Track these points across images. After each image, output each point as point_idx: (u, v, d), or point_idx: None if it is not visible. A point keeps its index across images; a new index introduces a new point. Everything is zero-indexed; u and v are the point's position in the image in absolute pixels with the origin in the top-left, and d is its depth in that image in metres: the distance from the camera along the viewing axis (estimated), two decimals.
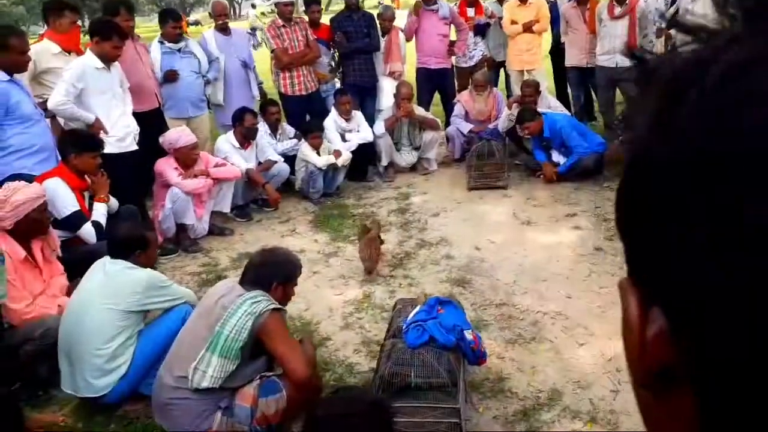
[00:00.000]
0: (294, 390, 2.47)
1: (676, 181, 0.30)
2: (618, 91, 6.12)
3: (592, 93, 6.59)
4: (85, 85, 4.31)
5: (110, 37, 4.37)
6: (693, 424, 0.32)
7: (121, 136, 4.49)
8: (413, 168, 6.14)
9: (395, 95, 5.92)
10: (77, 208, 3.77)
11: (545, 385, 2.85)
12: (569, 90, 6.72)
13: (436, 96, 6.83)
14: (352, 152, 5.64)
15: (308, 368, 2.46)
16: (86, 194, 3.98)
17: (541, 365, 3.00)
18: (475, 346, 2.73)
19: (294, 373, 2.42)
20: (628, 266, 0.34)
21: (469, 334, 2.73)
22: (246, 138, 5.25)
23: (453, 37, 6.74)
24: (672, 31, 5.56)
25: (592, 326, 3.29)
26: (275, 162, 5.40)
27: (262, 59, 7.68)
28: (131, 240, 2.96)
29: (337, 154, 5.47)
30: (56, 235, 3.48)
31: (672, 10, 5.65)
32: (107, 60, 4.40)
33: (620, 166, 0.35)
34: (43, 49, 4.62)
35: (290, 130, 5.87)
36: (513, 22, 6.37)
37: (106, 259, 2.94)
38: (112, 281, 2.84)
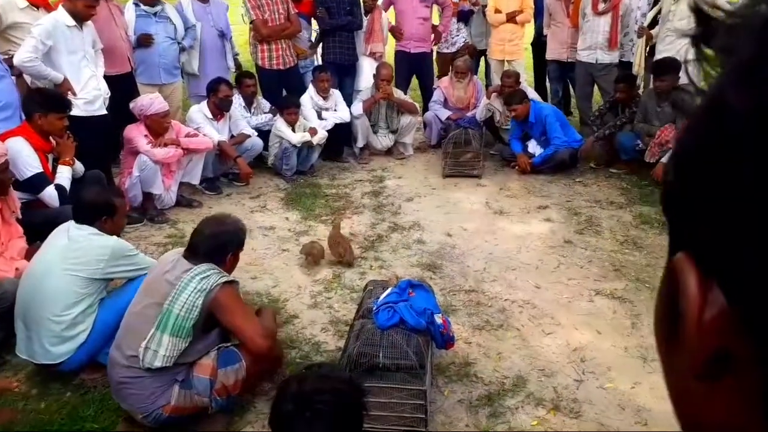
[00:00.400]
0: (253, 360, 2.43)
1: None
2: (596, 87, 6.17)
3: (571, 88, 6.62)
4: (55, 42, 4.13)
5: None
6: (757, 406, 0.30)
7: (90, 98, 4.33)
8: (389, 152, 6.10)
9: (375, 76, 5.84)
10: (40, 169, 3.62)
11: (510, 371, 2.88)
12: (548, 83, 6.75)
13: (415, 81, 6.78)
14: (328, 131, 5.56)
15: (266, 338, 2.42)
16: (50, 156, 3.83)
17: (507, 352, 3.02)
18: (445, 330, 2.73)
19: (251, 343, 2.39)
20: (681, 242, 0.32)
21: (438, 318, 2.73)
22: (219, 109, 5.12)
23: (436, 21, 6.69)
24: (653, 31, 5.63)
25: (558, 316, 3.32)
26: (248, 136, 5.29)
27: (240, 31, 7.51)
28: (98, 205, 2.85)
29: (313, 131, 5.38)
30: (16, 197, 3.35)
31: (654, 10, 5.70)
32: (80, 18, 4.23)
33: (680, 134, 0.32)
34: (8, 3, 4.41)
35: (265, 104, 5.76)
36: (497, 11, 6.34)
37: (71, 223, 2.83)
38: (76, 247, 2.75)
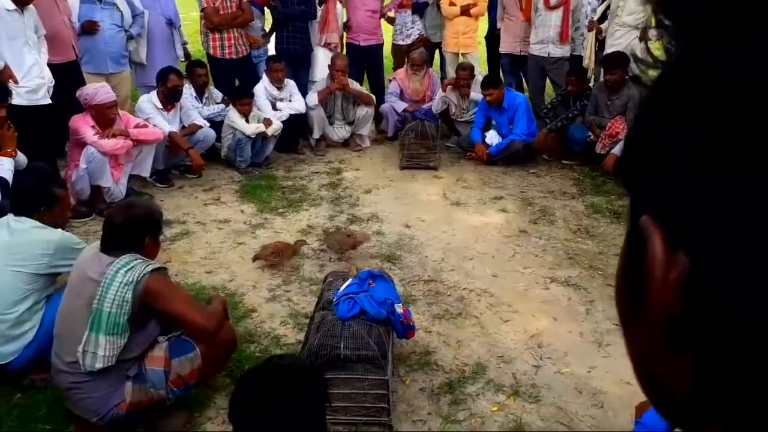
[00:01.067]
0: (206, 346, 2.37)
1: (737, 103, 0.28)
2: (548, 81, 6.29)
3: (524, 81, 6.73)
4: None
5: None
6: (689, 379, 0.32)
7: (32, 87, 4.14)
8: (345, 143, 6.07)
9: (330, 67, 5.79)
10: None
11: (470, 359, 2.91)
12: (501, 76, 6.83)
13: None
14: (283, 122, 5.48)
15: (208, 319, 2.32)
16: None
17: (466, 340, 3.06)
18: (405, 319, 2.74)
19: (194, 326, 2.29)
20: (643, 207, 0.33)
21: (399, 308, 2.74)
22: (169, 99, 4.98)
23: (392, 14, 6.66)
24: (602, 26, 5.77)
25: (515, 304, 3.38)
26: (200, 126, 5.16)
27: (191, 20, 7.31)
28: (35, 195, 2.72)
29: (267, 122, 5.30)
30: None
31: (603, 5, 5.84)
32: (20, 2, 4.01)
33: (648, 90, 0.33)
34: None
35: (218, 95, 5.63)
36: (451, 4, 6.38)
37: (10, 216, 2.70)
38: (18, 241, 2.62)
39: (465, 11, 6.34)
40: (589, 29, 5.87)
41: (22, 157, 3.77)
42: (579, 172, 5.40)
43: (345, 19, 6.42)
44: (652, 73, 0.33)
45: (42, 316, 2.63)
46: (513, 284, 3.59)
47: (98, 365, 2.17)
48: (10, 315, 2.55)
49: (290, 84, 5.77)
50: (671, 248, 0.31)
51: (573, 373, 2.82)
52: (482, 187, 5.12)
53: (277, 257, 3.61)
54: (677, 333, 0.31)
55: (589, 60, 5.91)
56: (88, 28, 4.97)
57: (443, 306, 3.35)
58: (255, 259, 3.67)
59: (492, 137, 5.61)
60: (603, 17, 5.81)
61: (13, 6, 3.99)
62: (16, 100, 3.77)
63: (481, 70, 6.75)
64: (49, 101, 4.28)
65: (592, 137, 5.29)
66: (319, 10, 6.10)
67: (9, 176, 3.54)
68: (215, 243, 4.04)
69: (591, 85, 5.85)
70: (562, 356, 2.94)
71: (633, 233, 0.34)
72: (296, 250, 3.72)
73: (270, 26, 6.29)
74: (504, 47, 6.47)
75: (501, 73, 6.74)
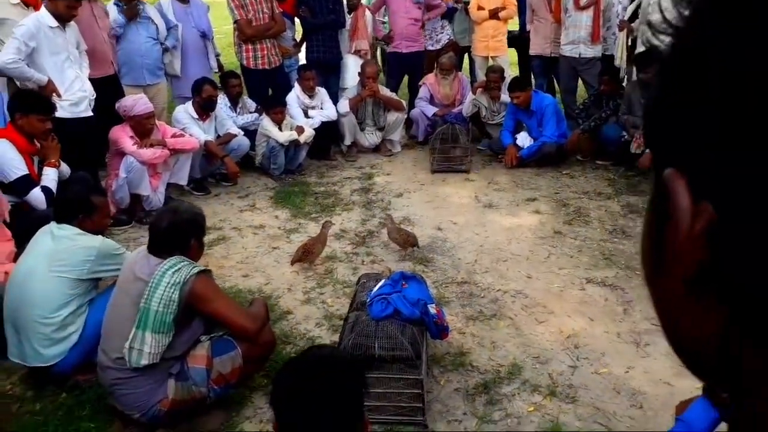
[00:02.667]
0: (246, 346, 2.42)
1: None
2: (580, 81, 6.22)
3: (555, 82, 6.67)
4: (38, 44, 4.09)
5: None
6: (720, 332, 0.32)
7: (75, 100, 4.29)
8: (376, 149, 6.10)
9: (360, 74, 5.85)
10: (26, 172, 3.58)
11: (505, 360, 2.89)
12: (533, 78, 6.79)
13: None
14: (315, 130, 5.56)
15: (251, 321, 2.42)
16: (35, 159, 3.79)
17: (501, 341, 3.04)
18: (439, 320, 2.74)
19: (236, 327, 2.39)
20: (673, 158, 0.33)
21: (432, 309, 2.74)
22: (204, 109, 5.10)
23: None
24: (633, 25, 5.69)
25: (551, 305, 3.34)
26: (235, 135, 5.27)
27: (223, 33, 7.48)
28: (76, 203, 2.81)
29: (300, 130, 5.37)
30: (4, 200, 3.30)
31: (634, 4, 5.76)
32: (62, 19, 4.18)
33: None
34: None
35: (251, 104, 5.74)
36: (479, 8, 6.37)
37: (53, 224, 2.79)
38: (61, 248, 2.70)
39: (494, 14, 6.33)
40: (620, 29, 5.79)
41: (65, 168, 3.91)
42: (613, 172, 5.32)
43: (372, 28, 6.47)
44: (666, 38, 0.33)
45: (85, 320, 2.71)
46: (548, 285, 3.56)
47: (143, 362, 2.24)
48: (55, 318, 2.63)
49: (321, 92, 5.84)
50: (696, 198, 0.31)
51: (611, 374, 2.77)
52: (515, 189, 5.09)
53: (309, 254, 3.66)
54: (704, 282, 0.31)
55: (621, 59, 5.83)
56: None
57: (477, 307, 3.33)
58: (293, 263, 3.72)
59: (523, 139, 5.57)
60: (634, 16, 5.73)
61: (56, 23, 4.15)
62: (59, 113, 3.92)
63: (511, 72, 6.72)
64: (91, 113, 4.43)
65: (626, 137, 5.21)
66: (349, 19, 6.17)
67: (53, 186, 3.68)
68: (251, 248, 4.11)
69: (624, 84, 5.77)
70: (599, 356, 2.90)
71: (657, 188, 0.34)
72: (324, 236, 3.73)
73: (300, 36, 6.39)
74: (534, 49, 6.43)
75: (531, 76, 6.70)
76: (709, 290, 0.31)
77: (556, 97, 6.47)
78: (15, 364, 2.70)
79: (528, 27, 6.55)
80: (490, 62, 6.43)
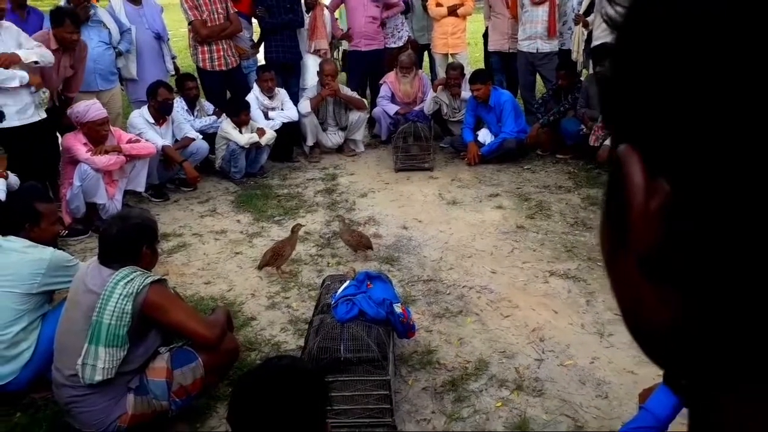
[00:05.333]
0: (208, 356, 2.37)
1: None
2: (538, 76, 6.29)
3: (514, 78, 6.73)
4: None
5: None
6: (676, 317, 0.30)
7: (21, 106, 4.12)
8: (339, 149, 6.06)
9: (319, 73, 5.79)
10: None
11: (472, 355, 2.90)
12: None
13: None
14: (276, 131, 5.49)
15: (211, 328, 2.36)
16: None
17: (467, 337, 3.04)
18: (405, 319, 2.73)
19: (196, 336, 2.33)
20: (629, 132, 0.32)
21: (398, 308, 2.72)
22: (161, 113, 4.98)
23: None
24: (589, 18, 5.78)
25: (515, 299, 3.37)
26: (193, 139, 5.16)
27: (180, 36, 7.32)
28: (19, 212, 2.70)
29: (261, 132, 5.29)
30: None
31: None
32: None
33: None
34: None
35: (209, 107, 5.63)
36: (438, 5, 6.39)
37: None
38: (8, 261, 2.59)
39: (452, 11, 6.36)
40: (576, 23, 5.88)
41: (13, 178, 3.76)
42: (573, 166, 5.40)
43: (331, 27, 6.43)
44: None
45: (38, 335, 2.61)
46: (512, 280, 3.58)
47: (98, 377, 2.16)
48: (5, 336, 2.52)
49: (281, 93, 5.77)
50: (652, 174, 0.30)
51: (576, 365, 2.80)
52: (478, 185, 5.12)
53: (278, 258, 3.60)
54: (659, 264, 0.30)
55: (577, 53, 5.92)
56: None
57: (443, 305, 3.34)
58: (260, 268, 3.66)
59: (485, 135, 5.61)
60: (589, 10, 5.83)
61: None
62: (6, 123, 3.77)
63: (471, 69, 6.76)
64: (39, 117, 4.27)
65: (584, 130, 5.29)
66: (307, 18, 6.11)
67: (2, 196, 3.53)
68: (212, 254, 4.03)
69: (581, 78, 5.86)
70: (564, 349, 2.93)
71: (613, 167, 0.33)
72: (294, 239, 3.67)
73: (258, 36, 6.30)
74: (492, 45, 6.49)
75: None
76: (666, 273, 0.30)
77: (517, 93, 6.55)
78: None
79: (485, 23, 6.60)
80: (450, 59, 6.45)
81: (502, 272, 3.67)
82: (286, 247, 3.63)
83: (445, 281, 3.58)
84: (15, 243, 2.65)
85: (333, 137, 6.00)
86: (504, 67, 6.54)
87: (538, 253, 3.88)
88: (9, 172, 3.74)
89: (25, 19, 4.90)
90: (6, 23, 4.14)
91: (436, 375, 2.76)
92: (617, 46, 0.33)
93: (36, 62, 4.13)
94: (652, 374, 2.65)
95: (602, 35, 5.45)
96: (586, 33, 5.89)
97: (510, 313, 3.24)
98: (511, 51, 6.29)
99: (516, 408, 2.55)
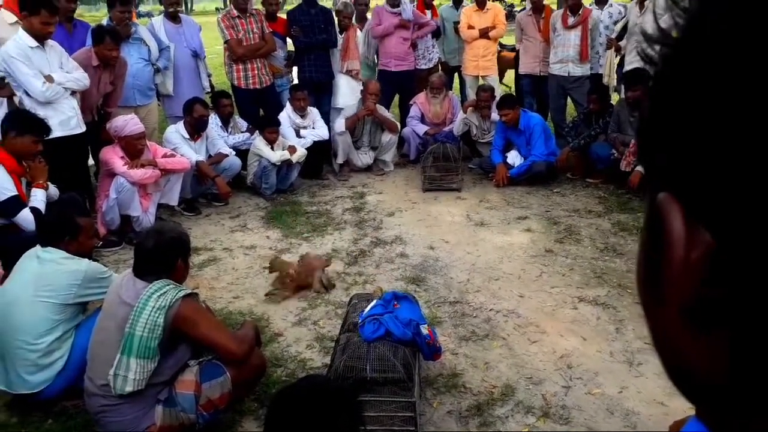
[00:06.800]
0: (236, 370, 2.39)
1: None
2: (569, 100, 6.28)
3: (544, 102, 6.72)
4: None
5: (38, 10, 4.09)
6: (719, 361, 0.30)
7: (64, 118, 4.27)
8: (368, 168, 6.11)
9: (362, 92, 5.87)
10: (14, 192, 3.55)
11: (498, 380, 2.87)
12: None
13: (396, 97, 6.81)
14: (307, 149, 5.56)
15: (239, 344, 2.39)
16: (23, 180, 3.76)
17: (494, 361, 3.02)
18: (431, 340, 2.72)
19: (224, 351, 2.36)
20: (662, 185, 0.31)
21: (425, 329, 2.72)
22: (196, 129, 5.10)
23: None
24: (621, 43, 5.77)
25: (543, 324, 3.33)
26: (226, 155, 5.27)
27: (216, 53, 7.50)
28: (59, 225, 2.78)
29: (292, 150, 5.38)
30: None
31: (621, 23, 5.85)
32: (39, 37, 4.16)
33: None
34: None
35: (242, 124, 5.74)
36: (470, 27, 6.44)
37: (38, 248, 2.75)
38: (47, 272, 2.66)
39: (484, 34, 6.40)
40: (608, 47, 5.87)
41: (53, 189, 3.88)
42: (604, 190, 5.35)
43: (366, 47, 6.52)
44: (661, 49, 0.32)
45: (72, 345, 2.67)
46: (540, 304, 3.55)
47: (128, 388, 2.21)
48: (40, 345, 2.58)
49: (313, 112, 5.86)
50: (692, 224, 0.29)
51: (604, 394, 2.75)
52: (506, 207, 5.10)
53: (288, 285, 3.61)
54: (702, 316, 0.30)
55: (609, 78, 5.90)
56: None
57: (470, 327, 3.32)
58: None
59: (514, 158, 5.61)
60: (622, 34, 5.81)
61: (35, 43, 4.13)
62: (51, 134, 3.90)
63: (502, 91, 6.78)
64: (81, 129, 4.41)
65: (616, 155, 5.24)
66: (340, 38, 6.21)
67: (42, 206, 3.64)
68: (242, 269, 4.08)
69: (612, 102, 5.83)
70: (592, 377, 2.88)
71: (651, 212, 0.32)
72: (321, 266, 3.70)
73: (292, 55, 6.42)
74: (523, 68, 6.50)
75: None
76: (709, 321, 0.30)
77: (547, 115, 6.54)
78: (1, 390, 2.65)
79: (517, 46, 6.62)
80: (481, 81, 6.48)
81: (530, 296, 3.64)
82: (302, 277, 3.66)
83: (472, 304, 3.56)
84: (53, 254, 2.72)
85: (364, 157, 6.06)
86: (535, 90, 6.54)
87: (567, 278, 3.84)
88: (49, 183, 3.85)
89: (72, 33, 5.09)
90: (51, 42, 4.30)
91: (461, 399, 2.74)
92: (656, 87, 0.32)
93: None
94: (682, 406, 2.59)
95: (634, 60, 5.43)
96: (618, 58, 5.87)
97: (538, 338, 3.21)
98: (542, 74, 6.29)
99: None
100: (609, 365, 2.96)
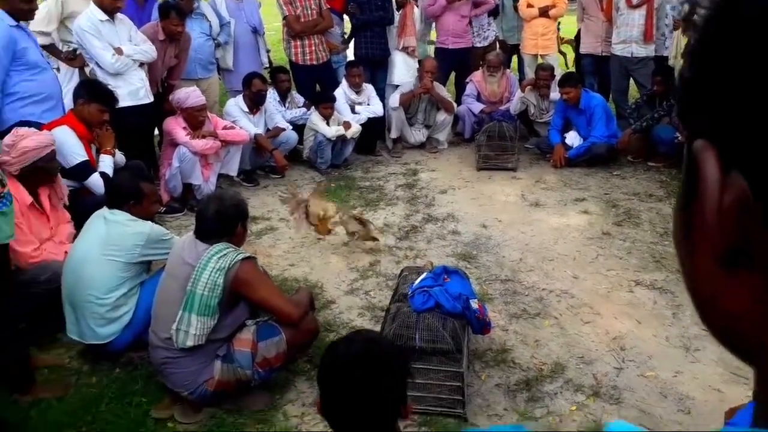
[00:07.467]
0: (290, 332, 2.47)
1: None
2: (631, 81, 6.07)
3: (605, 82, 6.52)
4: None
5: None
6: (756, 300, 0.30)
7: (132, 89, 4.44)
8: (422, 146, 6.10)
9: (419, 69, 5.84)
10: (85, 158, 3.73)
11: (548, 358, 2.85)
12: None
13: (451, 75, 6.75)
14: (362, 125, 5.60)
15: (296, 309, 2.48)
16: (93, 146, 3.94)
17: (544, 339, 3.00)
18: (480, 315, 2.73)
19: (279, 313, 2.45)
20: (705, 128, 0.32)
21: (474, 303, 2.73)
22: (254, 103, 5.21)
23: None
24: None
25: (597, 306, 3.28)
26: (283, 129, 5.36)
27: (274, 29, 7.60)
28: (125, 189, 2.91)
29: (347, 125, 5.42)
30: (64, 185, 3.45)
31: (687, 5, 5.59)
32: (109, 11, 4.33)
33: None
34: None
35: (299, 99, 5.82)
36: (529, 5, 6.29)
37: (105, 210, 2.89)
38: (113, 232, 2.79)
39: (543, 13, 6.24)
40: (674, 28, 5.63)
41: (120, 156, 4.05)
42: (666, 174, 5.17)
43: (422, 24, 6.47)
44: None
45: (137, 301, 2.82)
46: (595, 286, 3.49)
47: (189, 343, 2.32)
48: (108, 299, 2.73)
49: (368, 88, 5.88)
50: (727, 169, 0.30)
51: (658, 377, 2.70)
52: (563, 188, 5.01)
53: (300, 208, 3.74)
54: (738, 258, 0.30)
55: (675, 59, 5.66)
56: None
57: (521, 305, 3.30)
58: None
59: (573, 138, 5.48)
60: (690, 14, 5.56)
61: (105, 17, 4.31)
62: (120, 103, 4.07)
63: (561, 70, 6.61)
64: (150, 100, 4.58)
65: (680, 138, 5.05)
66: (397, 15, 6.19)
67: (110, 172, 3.82)
68: (297, 238, 4.17)
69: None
70: (646, 360, 2.83)
71: (689, 162, 0.33)
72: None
73: (349, 32, 6.44)
74: (585, 48, 6.31)
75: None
76: (744, 266, 0.30)
77: (609, 96, 6.35)
78: (73, 341, 2.83)
79: (578, 25, 6.43)
80: (539, 60, 6.34)
81: (585, 278, 3.58)
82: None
83: (524, 282, 3.54)
84: (119, 216, 2.85)
85: (417, 134, 6.05)
86: (596, 70, 6.34)
87: (624, 262, 3.76)
88: (116, 150, 4.02)
89: (143, 6, 5.26)
90: (121, 16, 4.47)
91: (510, 373, 2.75)
92: (698, 45, 0.33)
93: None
94: (740, 393, 2.52)
95: None
96: (685, 39, 5.62)
97: (591, 319, 3.17)
98: (604, 54, 6.10)
99: (591, 414, 2.50)
100: (664, 349, 2.90)
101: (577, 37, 6.70)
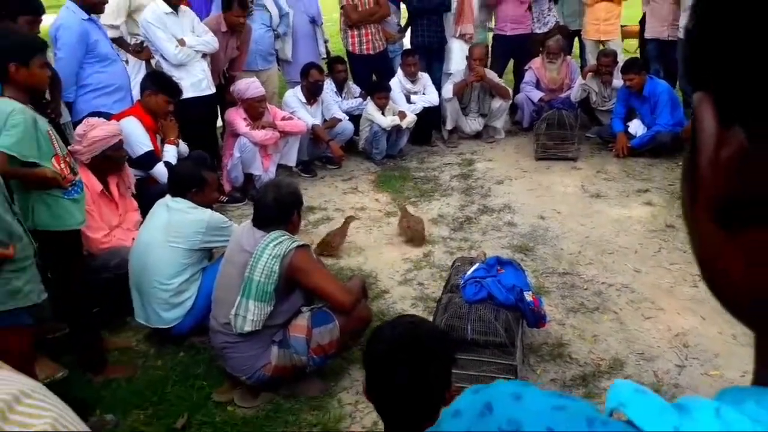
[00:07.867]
0: (344, 319, 2.52)
1: None
2: None
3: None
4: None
5: None
6: (752, 263, 0.30)
7: (195, 80, 4.58)
8: (478, 135, 6.03)
9: (468, 57, 5.77)
10: (151, 147, 3.89)
11: (607, 354, 2.79)
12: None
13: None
14: (417, 115, 5.57)
15: (349, 296, 2.52)
16: (158, 137, 4.09)
17: (603, 334, 2.93)
18: (535, 308, 2.68)
19: (333, 300, 2.50)
20: (703, 80, 0.31)
21: (528, 296, 2.68)
22: (312, 93, 5.27)
23: None
24: None
25: (660, 301, 3.17)
26: (340, 120, 5.41)
27: (332, 21, 7.65)
28: (187, 178, 3.00)
29: (402, 115, 5.41)
30: (131, 173, 3.60)
31: None
32: (172, 3, 4.47)
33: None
34: None
35: (356, 89, 5.85)
36: None
37: (168, 197, 2.99)
38: (175, 220, 2.90)
39: None
40: None
41: (183, 146, 4.19)
42: None
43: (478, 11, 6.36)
44: None
45: (199, 287, 2.92)
46: (657, 280, 3.38)
47: (247, 328, 2.40)
48: (171, 285, 2.85)
49: (424, 77, 5.84)
50: (726, 124, 0.29)
51: (723, 376, 2.59)
52: (625, 179, 4.85)
53: (329, 248, 3.76)
54: (734, 217, 0.29)
55: None
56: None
57: (579, 299, 3.23)
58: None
59: (636, 127, 5.28)
60: None
61: (169, 9, 4.47)
62: (184, 95, 4.21)
63: (624, 57, 6.37)
64: (213, 91, 4.72)
65: None
66: (454, 2, 6.10)
67: (174, 161, 3.96)
68: (352, 228, 4.19)
69: None
70: (710, 358, 2.72)
71: (693, 120, 0.32)
72: (345, 230, 3.83)
73: (405, 21, 6.41)
74: (649, 32, 6.05)
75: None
76: (741, 223, 0.29)
77: (675, 84, 6.07)
78: (140, 325, 2.97)
79: (643, 9, 6.17)
80: (601, 46, 6.13)
81: (647, 272, 3.46)
82: (336, 238, 3.78)
83: (583, 276, 3.46)
84: (180, 204, 2.96)
85: (472, 123, 5.97)
86: (661, 55, 6.07)
87: (688, 255, 3.60)
88: (180, 140, 4.17)
89: None
90: (184, 8, 4.61)
91: (566, 368, 2.70)
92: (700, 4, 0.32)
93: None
94: None
95: None
96: None
97: (652, 314, 3.07)
98: (670, 39, 5.83)
99: None
100: (731, 347, 2.78)
101: (642, 21, 6.44)
